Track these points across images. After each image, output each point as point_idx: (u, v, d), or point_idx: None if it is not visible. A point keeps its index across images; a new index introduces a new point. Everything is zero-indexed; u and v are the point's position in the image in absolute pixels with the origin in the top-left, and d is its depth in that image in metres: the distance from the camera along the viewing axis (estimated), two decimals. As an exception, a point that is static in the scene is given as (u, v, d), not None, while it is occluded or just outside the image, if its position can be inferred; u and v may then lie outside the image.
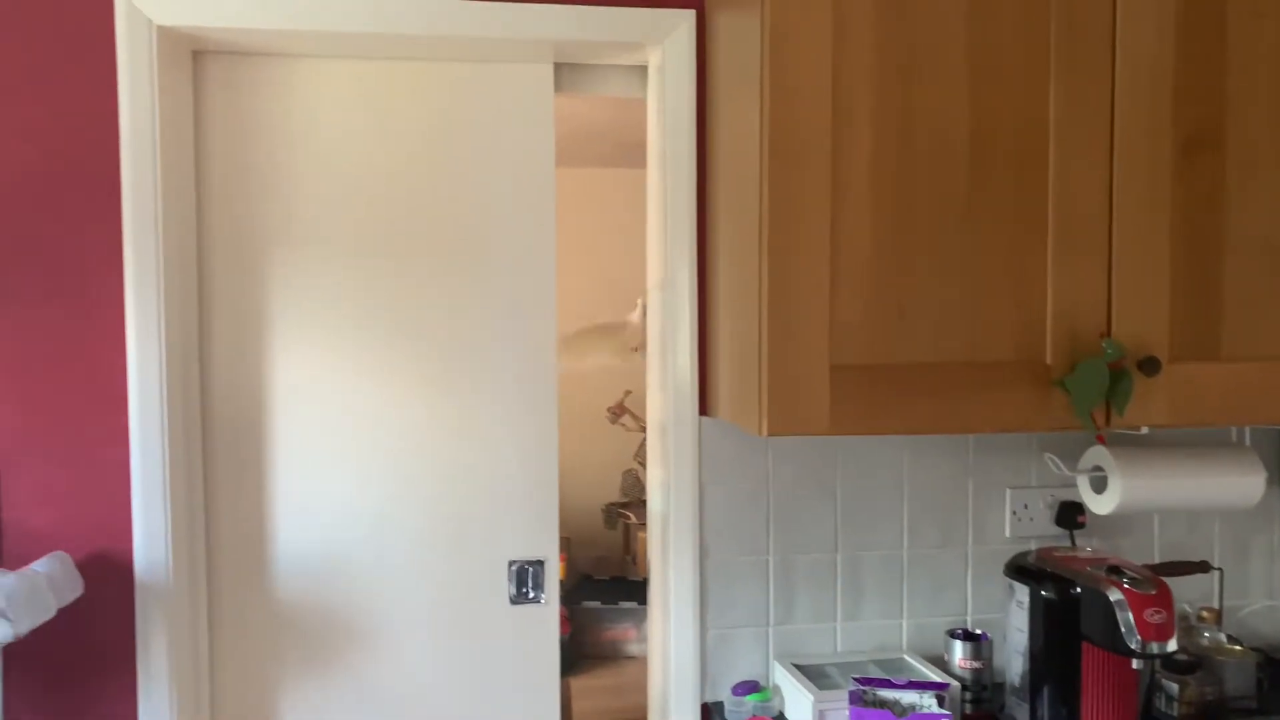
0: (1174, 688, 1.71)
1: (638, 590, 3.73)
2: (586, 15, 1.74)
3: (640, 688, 3.09)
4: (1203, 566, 1.83)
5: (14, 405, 1.66)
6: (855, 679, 1.63)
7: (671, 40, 1.77)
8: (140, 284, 1.66)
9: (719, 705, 1.82)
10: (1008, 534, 1.92)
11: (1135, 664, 1.58)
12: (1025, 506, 1.92)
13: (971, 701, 1.75)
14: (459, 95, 1.87)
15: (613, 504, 4.06)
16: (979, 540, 1.92)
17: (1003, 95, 1.45)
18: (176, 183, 1.72)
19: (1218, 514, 1.99)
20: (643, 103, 1.93)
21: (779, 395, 1.40)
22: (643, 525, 3.77)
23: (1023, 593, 1.68)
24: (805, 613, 1.87)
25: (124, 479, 1.68)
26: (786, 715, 1.76)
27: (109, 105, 1.65)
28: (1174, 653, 1.53)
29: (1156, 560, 1.97)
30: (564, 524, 3.97)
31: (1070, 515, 1.90)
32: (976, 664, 1.75)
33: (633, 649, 3.67)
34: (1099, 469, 1.73)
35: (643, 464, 3.95)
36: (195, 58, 1.79)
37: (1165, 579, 1.60)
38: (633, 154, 3.89)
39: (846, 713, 1.61)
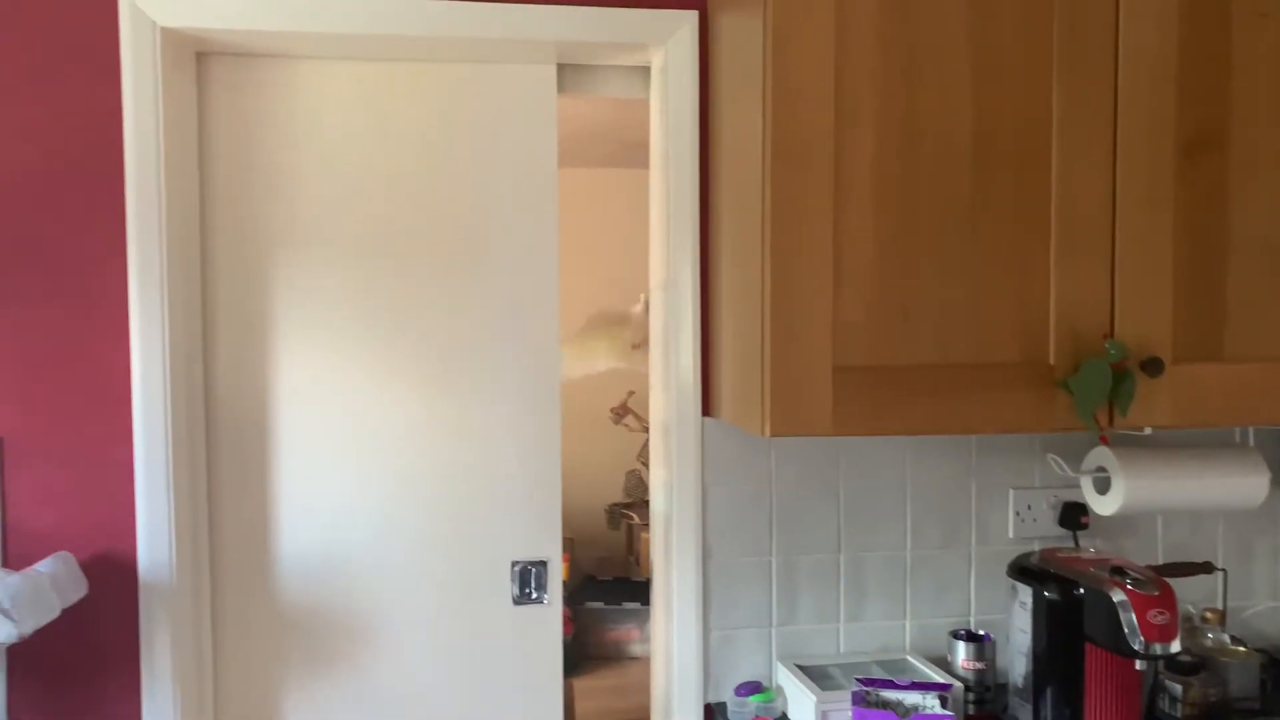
0: (1177, 689, 1.71)
1: (641, 591, 3.73)
2: (589, 16, 1.74)
3: (643, 688, 3.09)
4: (1206, 567, 1.82)
5: (18, 405, 1.66)
6: (858, 680, 1.63)
7: (674, 41, 1.77)
8: (144, 284, 1.66)
9: (722, 706, 1.82)
10: (1011, 535, 1.92)
11: (1138, 665, 1.57)
12: (1028, 507, 1.91)
13: (974, 702, 1.75)
14: (462, 96, 1.87)
15: (616, 504, 4.06)
16: (982, 541, 1.92)
17: (1005, 96, 1.45)
18: (180, 183, 1.73)
19: (1221, 515, 1.99)
20: (645, 103, 1.93)
21: (781, 396, 1.40)
22: (646, 526, 3.77)
23: (1026, 594, 1.68)
24: (808, 613, 1.87)
25: (128, 479, 1.69)
26: (789, 716, 1.76)
27: (113, 106, 1.66)
28: (1177, 654, 1.53)
29: (1160, 561, 1.96)
30: (567, 524, 3.97)
31: (1073, 516, 1.90)
32: (979, 665, 1.75)
33: (636, 650, 3.67)
34: (1102, 470, 1.73)
35: (646, 464, 3.95)
36: (199, 59, 1.80)
37: (1169, 580, 1.60)
38: (635, 154, 3.89)
39: (849, 713, 1.61)
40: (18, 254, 1.65)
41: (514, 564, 1.91)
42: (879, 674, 1.76)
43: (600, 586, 3.82)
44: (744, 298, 1.53)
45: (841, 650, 1.88)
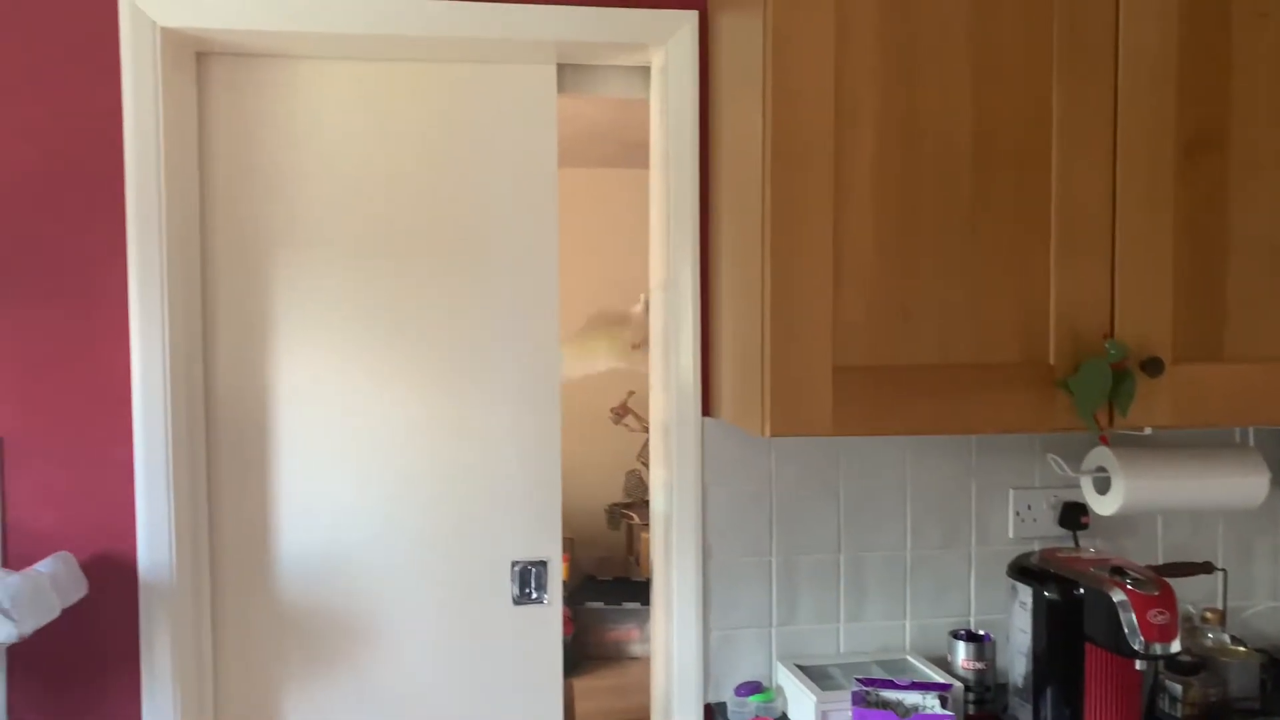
0: (1177, 689, 1.71)
1: (641, 591, 3.74)
2: (589, 16, 1.74)
3: (643, 688, 3.09)
4: (1206, 567, 1.82)
5: (18, 405, 1.66)
6: (858, 680, 1.63)
7: (674, 41, 1.77)
8: (144, 284, 1.66)
9: (722, 706, 1.82)
10: (1011, 535, 1.92)
11: (1138, 665, 1.57)
12: (1028, 507, 1.91)
13: (974, 702, 1.75)
14: (462, 96, 1.87)
15: (616, 504, 4.06)
16: (982, 541, 1.92)
17: (1005, 96, 1.45)
18: (180, 183, 1.73)
19: (1221, 515, 1.99)
20: (645, 103, 1.93)
21: (782, 396, 1.40)
22: (646, 526, 3.77)
23: (1026, 594, 1.68)
24: (808, 613, 1.87)
25: (128, 479, 1.69)
26: (789, 716, 1.76)
27: (113, 106, 1.66)
28: (1177, 654, 1.53)
29: (1160, 561, 1.96)
30: (567, 524, 3.97)
31: (1073, 516, 1.90)
32: (979, 665, 1.75)
33: (636, 650, 3.67)
34: (1102, 470, 1.73)
35: (646, 464, 3.95)
36: (199, 59, 1.80)
37: (1169, 580, 1.60)
38: (635, 154, 3.89)
39: (849, 713, 1.61)
40: (18, 254, 1.65)
41: (514, 564, 1.91)
42: (879, 674, 1.76)
43: (600, 586, 3.82)
44: (744, 298, 1.53)
45: (841, 650, 1.88)
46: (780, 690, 1.79)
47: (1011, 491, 1.91)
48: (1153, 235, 1.47)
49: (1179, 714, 1.71)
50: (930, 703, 1.58)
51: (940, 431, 1.44)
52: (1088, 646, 1.60)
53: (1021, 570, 1.71)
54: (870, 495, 1.88)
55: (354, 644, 1.88)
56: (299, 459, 1.85)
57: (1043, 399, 1.46)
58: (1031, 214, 1.46)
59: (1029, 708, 1.67)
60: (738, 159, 1.57)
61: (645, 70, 1.90)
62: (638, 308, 3.71)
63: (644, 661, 3.57)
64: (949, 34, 1.43)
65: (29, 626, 1.43)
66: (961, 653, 1.76)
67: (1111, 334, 1.47)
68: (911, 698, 1.59)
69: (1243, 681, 1.76)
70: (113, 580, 1.69)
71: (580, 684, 3.34)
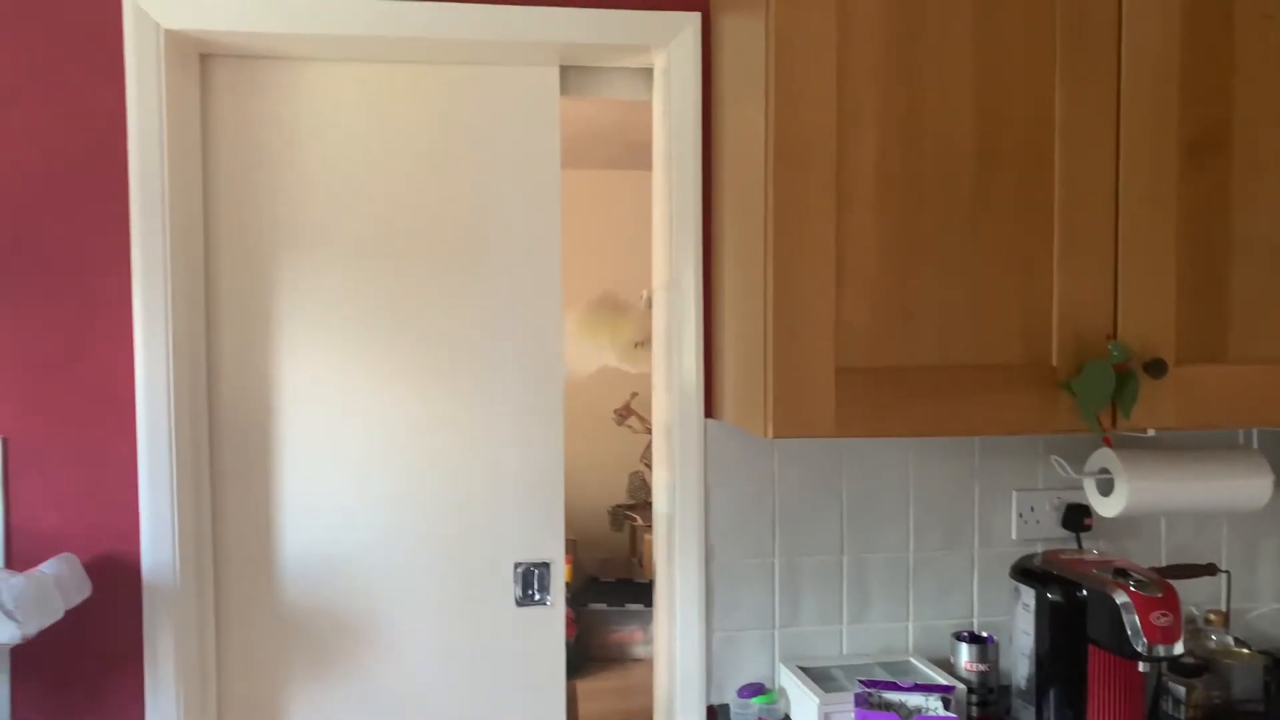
0: (1181, 691, 1.71)
1: (644, 592, 3.73)
2: (592, 18, 1.74)
3: (646, 690, 3.09)
4: (1210, 569, 1.82)
5: (22, 407, 1.66)
6: (861, 681, 1.62)
7: (677, 43, 1.77)
8: (147, 286, 1.66)
9: (725, 708, 1.82)
10: (1014, 536, 1.92)
11: (1142, 667, 1.57)
12: (1031, 509, 1.91)
13: (977, 704, 1.74)
14: (465, 98, 1.87)
15: (619, 506, 4.05)
16: (985, 543, 1.91)
17: (1008, 97, 1.44)
18: (183, 185, 1.73)
19: (1225, 517, 1.99)
20: (648, 105, 1.94)
21: (784, 397, 1.40)
22: (649, 527, 3.77)
23: (1029, 595, 1.67)
24: (811, 615, 1.86)
25: (131, 480, 1.69)
26: (792, 718, 1.75)
27: (117, 108, 1.66)
28: (1181, 656, 1.53)
29: (1163, 563, 1.96)
30: (570, 526, 3.97)
31: (1076, 518, 1.89)
32: (982, 667, 1.75)
33: (639, 651, 3.66)
34: (1105, 471, 1.72)
35: (649, 466, 3.95)
36: (202, 61, 1.80)
37: (1172, 582, 1.59)
38: (638, 156, 3.89)
39: (852, 715, 1.61)
40: (22, 255, 1.66)
41: (517, 565, 1.91)
42: (882, 676, 1.75)
43: (603, 588, 3.82)
44: (747, 299, 1.53)
45: (844, 652, 1.88)
46: (783, 692, 1.79)
47: (1014, 493, 1.91)
48: (1156, 236, 1.47)
49: (1182, 716, 1.70)
50: (933, 704, 1.58)
51: (943, 433, 1.44)
52: (1091, 648, 1.60)
53: (1024, 572, 1.70)
54: (873, 497, 1.87)
55: (356, 645, 1.88)
56: (301, 460, 1.85)
57: (1045, 400, 1.46)
58: (1034, 214, 1.46)
59: (1032, 710, 1.67)
60: (740, 160, 1.57)
61: (648, 72, 1.90)
62: (640, 303, 3.69)
63: (647, 663, 3.57)
64: (951, 35, 1.43)
65: (33, 628, 1.43)
66: (964, 654, 1.76)
67: (1114, 335, 1.47)
68: (914, 699, 1.59)
69: (1246, 684, 1.75)
70: (116, 581, 1.69)
71: (583, 685, 3.33)
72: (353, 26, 1.69)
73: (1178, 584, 1.83)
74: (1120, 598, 1.52)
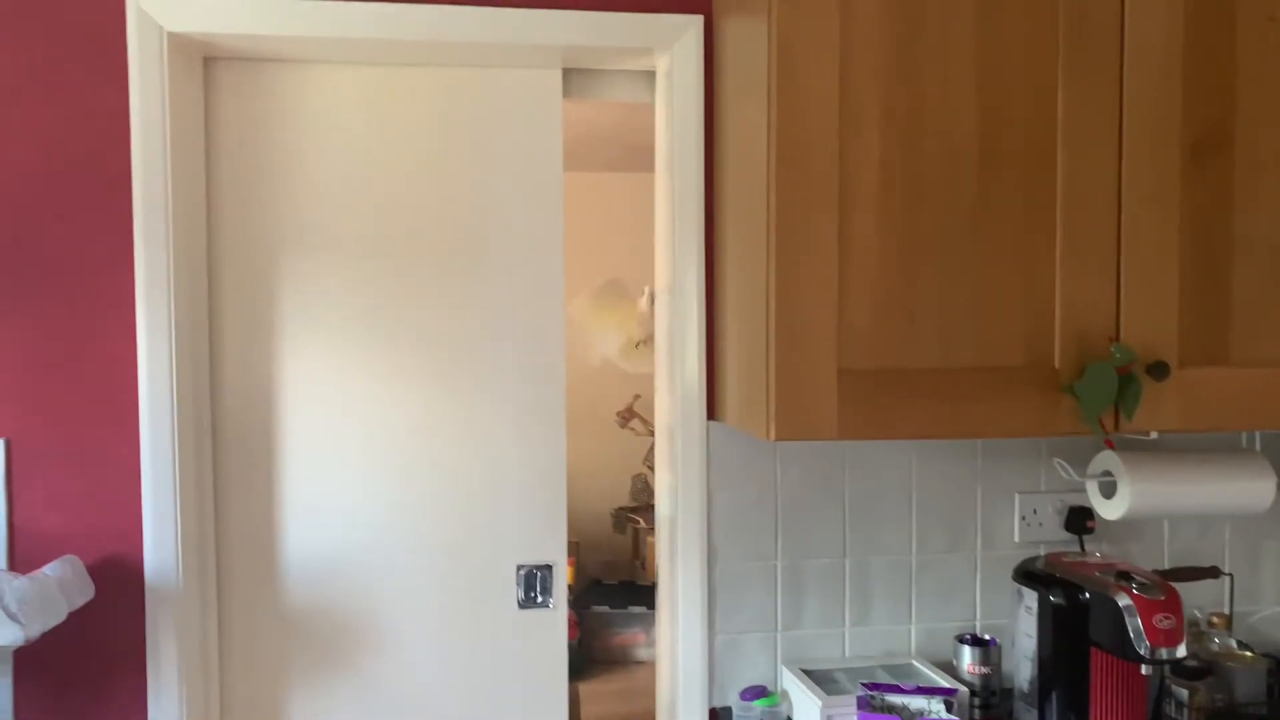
0: (1184, 694, 1.71)
1: (646, 595, 3.73)
2: (594, 21, 1.74)
3: (649, 693, 3.09)
4: (1213, 572, 1.82)
5: (25, 408, 1.67)
6: (863, 684, 1.62)
7: (679, 46, 1.77)
8: (151, 288, 1.67)
9: (727, 710, 1.82)
10: (1016, 539, 1.91)
11: (1144, 670, 1.57)
12: (1034, 511, 1.91)
13: (980, 707, 1.74)
14: (468, 100, 1.87)
15: (622, 508, 4.05)
16: (987, 545, 1.91)
17: (1011, 99, 1.45)
18: (186, 187, 1.73)
19: (1228, 519, 1.98)
20: (650, 108, 1.94)
21: (787, 400, 1.40)
22: (652, 530, 3.77)
23: (1031, 598, 1.67)
24: (813, 618, 1.86)
25: (134, 482, 1.69)
26: (794, 720, 1.75)
27: (120, 110, 1.66)
28: (1183, 659, 1.53)
29: (1166, 566, 1.96)
30: (573, 528, 3.97)
31: (1079, 520, 1.89)
32: (985, 669, 1.75)
33: (642, 654, 3.66)
34: (1108, 474, 1.72)
35: (652, 468, 3.95)
36: (206, 64, 1.80)
37: (1175, 584, 1.59)
38: (640, 159, 3.89)
39: (855, 718, 1.61)
40: (25, 257, 1.66)
41: (519, 568, 1.91)
42: (884, 678, 1.75)
43: (606, 590, 3.81)
44: (749, 301, 1.53)
45: (847, 654, 1.88)
46: (785, 694, 1.79)
47: (1017, 496, 1.91)
48: (1158, 237, 1.47)
49: (1185, 719, 1.70)
50: (936, 707, 1.57)
51: (945, 435, 1.44)
52: (1093, 651, 1.59)
53: (1027, 575, 1.70)
54: (875, 499, 1.87)
55: (358, 647, 1.88)
56: (304, 461, 1.85)
57: (1048, 403, 1.46)
58: (1036, 216, 1.46)
59: (1034, 712, 1.66)
60: (743, 162, 1.57)
61: (650, 75, 1.91)
62: (642, 301, 3.69)
63: (650, 666, 3.57)
64: (953, 36, 1.43)
65: (36, 630, 1.43)
66: (967, 657, 1.76)
67: (1117, 337, 1.47)
68: (917, 702, 1.58)
69: (1249, 687, 1.75)
70: (119, 583, 1.70)
71: (586, 688, 3.33)
72: (356, 29, 1.69)
73: (1180, 587, 1.83)
74: (1123, 600, 1.52)
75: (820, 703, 1.63)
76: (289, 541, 1.86)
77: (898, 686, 1.61)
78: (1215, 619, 1.84)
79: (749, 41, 1.52)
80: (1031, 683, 1.67)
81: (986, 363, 1.46)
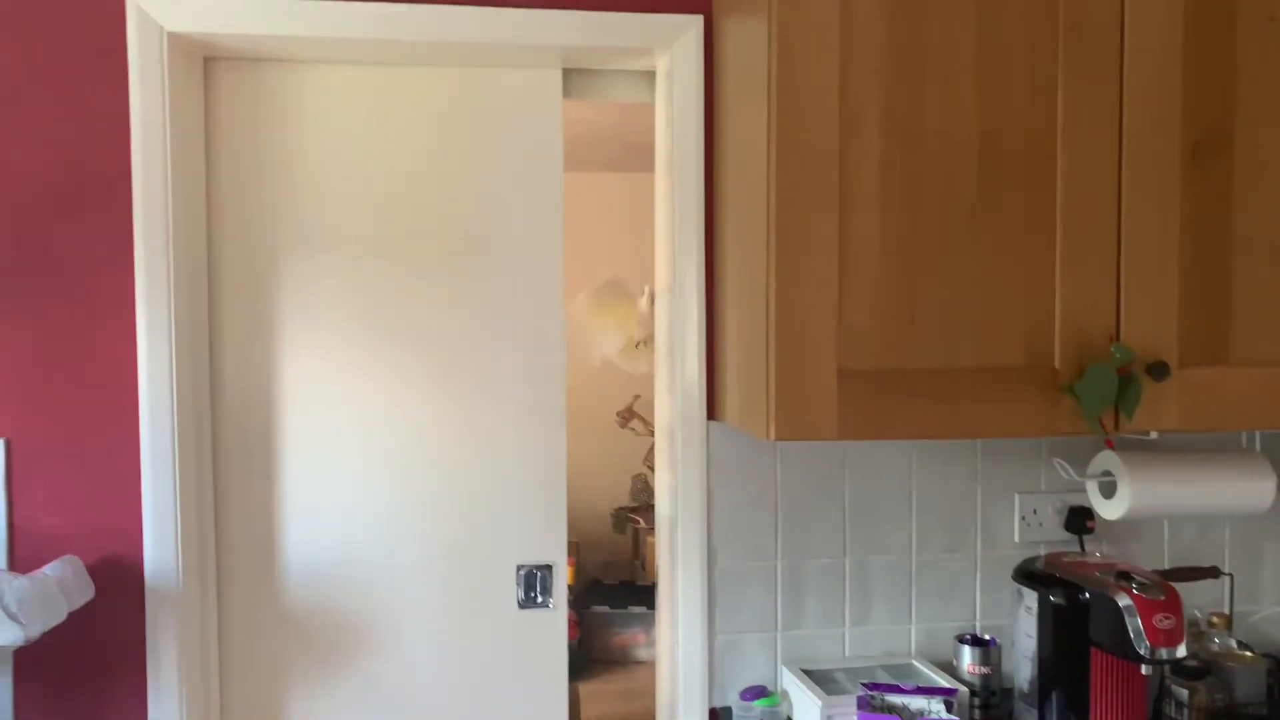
0: (1184, 694, 1.71)
1: (646, 595, 3.73)
2: (594, 21, 1.74)
3: (649, 693, 3.09)
4: (1213, 572, 1.82)
5: (25, 409, 1.67)
6: (863, 684, 1.62)
7: (679, 45, 1.77)
8: (151, 288, 1.66)
9: (727, 710, 1.82)
10: (1016, 539, 1.91)
11: (1144, 670, 1.57)
12: (1034, 511, 1.91)
13: (980, 707, 1.74)
14: (468, 101, 1.87)
15: (622, 508, 4.05)
16: (987, 545, 1.91)
17: (1011, 100, 1.45)
18: (187, 187, 1.73)
19: (1228, 519, 1.98)
20: (650, 108, 1.94)
21: (787, 400, 1.40)
22: (652, 530, 3.77)
23: (1031, 598, 1.67)
24: (813, 618, 1.86)
25: (134, 483, 1.69)
26: (794, 720, 1.75)
27: (121, 110, 1.66)
28: (1183, 659, 1.53)
29: (1166, 566, 1.96)
30: (573, 528, 3.97)
31: (1079, 520, 1.89)
32: (985, 669, 1.75)
33: (642, 654, 3.66)
34: (1108, 474, 1.72)
35: (652, 468, 3.95)
36: (206, 64, 1.80)
37: (1175, 584, 1.59)
38: (640, 158, 3.89)
39: (855, 718, 1.61)
40: (25, 257, 1.66)
41: (519, 568, 1.91)
42: (884, 678, 1.75)
43: (606, 590, 3.81)
44: (749, 301, 1.53)
45: (847, 654, 1.88)
46: (785, 694, 1.79)
47: (1017, 496, 1.91)
48: (1158, 238, 1.47)
49: (1185, 719, 1.70)
50: (936, 707, 1.57)
51: (945, 435, 1.44)
52: (1093, 651, 1.59)
53: (1027, 575, 1.70)
54: (875, 499, 1.87)
55: (358, 647, 1.88)
56: (304, 462, 1.85)
57: (1048, 403, 1.46)
58: (1036, 217, 1.46)
59: (1034, 712, 1.66)
60: (743, 163, 1.57)
61: (651, 75, 1.91)
62: (642, 300, 3.68)
63: (650, 666, 3.57)
64: (954, 37, 1.43)
65: (36, 630, 1.43)
66: (967, 657, 1.76)
67: (1117, 338, 1.47)
68: (917, 702, 1.58)
69: (1249, 687, 1.75)
70: (119, 583, 1.70)
71: (586, 688, 3.33)
72: (356, 29, 1.69)
73: (1180, 587, 1.83)
74: (1123, 600, 1.52)
75: (820, 703, 1.63)
76: (289, 541, 1.86)
77: (898, 686, 1.61)
78: (1215, 619, 1.84)
79: (749, 41, 1.52)
80: (1031, 683, 1.67)
81: (986, 363, 1.46)
